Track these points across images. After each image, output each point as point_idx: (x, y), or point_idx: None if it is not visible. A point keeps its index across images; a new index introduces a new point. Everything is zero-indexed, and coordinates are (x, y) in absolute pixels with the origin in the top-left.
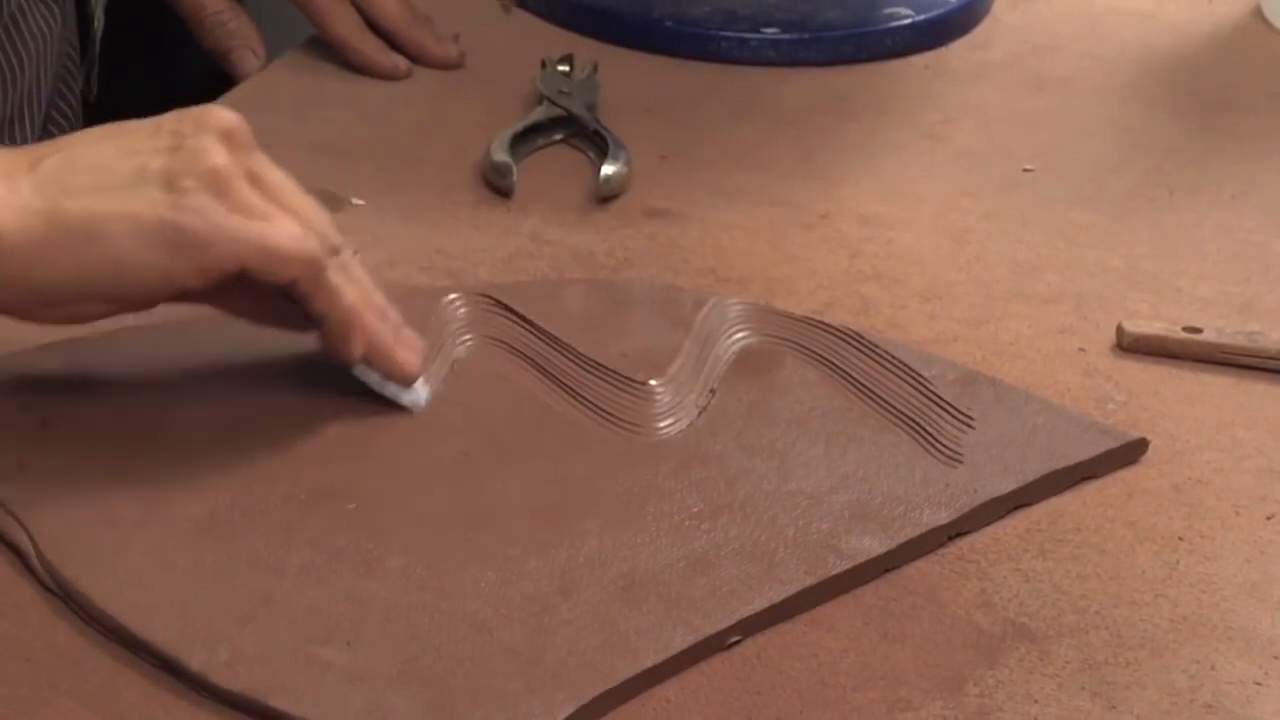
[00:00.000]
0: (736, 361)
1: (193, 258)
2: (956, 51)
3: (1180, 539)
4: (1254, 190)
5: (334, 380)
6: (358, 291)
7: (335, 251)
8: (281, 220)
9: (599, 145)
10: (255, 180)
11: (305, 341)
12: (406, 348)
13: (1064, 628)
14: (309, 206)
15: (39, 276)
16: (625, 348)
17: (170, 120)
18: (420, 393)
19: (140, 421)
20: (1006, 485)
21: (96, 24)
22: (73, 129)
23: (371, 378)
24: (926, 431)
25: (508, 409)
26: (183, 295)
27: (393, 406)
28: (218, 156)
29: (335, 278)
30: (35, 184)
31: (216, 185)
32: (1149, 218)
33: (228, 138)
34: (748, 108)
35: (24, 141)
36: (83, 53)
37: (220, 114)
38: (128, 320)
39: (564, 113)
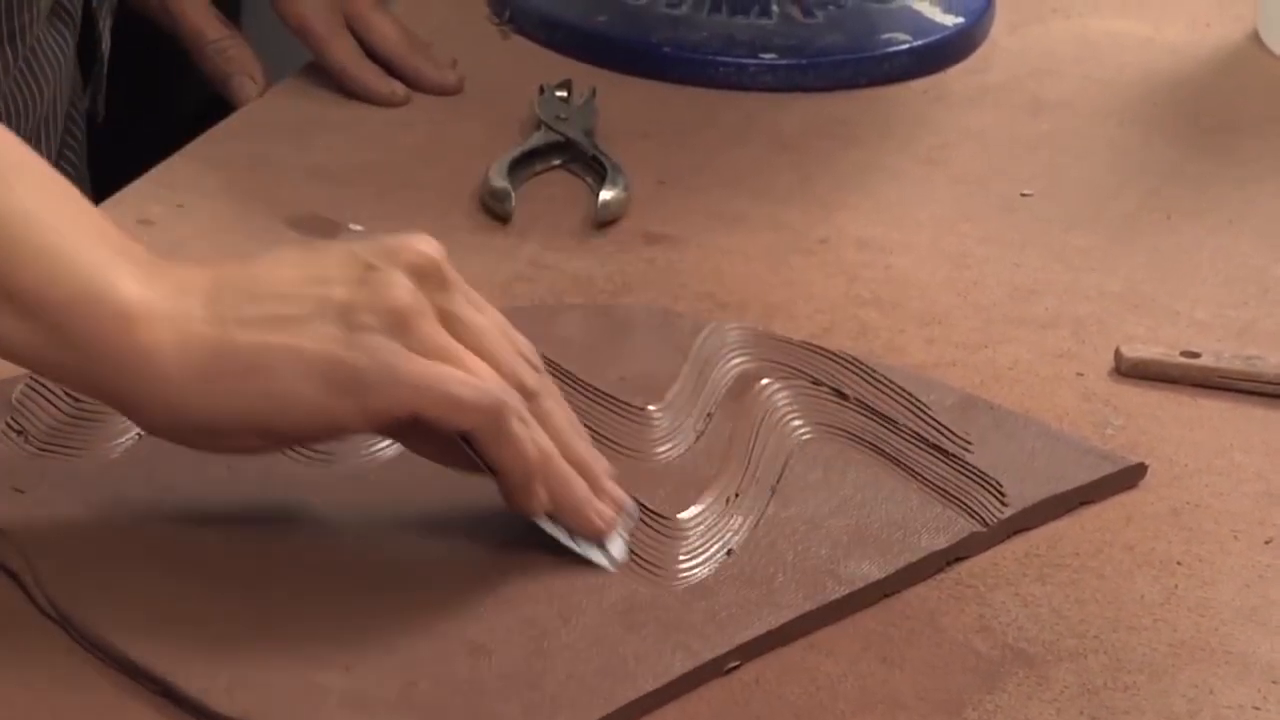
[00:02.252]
0: (734, 386)
1: (358, 400)
2: (955, 76)
3: (1179, 563)
4: (1252, 214)
5: None
6: (548, 442)
7: (531, 396)
8: (466, 365)
9: (597, 170)
10: (448, 319)
11: None
12: (601, 504)
13: (1062, 652)
14: (505, 349)
15: (198, 405)
16: (623, 373)
17: (365, 249)
18: (614, 550)
19: (139, 447)
20: (1004, 510)
21: (103, 46)
22: (81, 155)
23: (558, 531)
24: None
25: None
26: (351, 433)
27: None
28: (404, 293)
29: (518, 428)
30: (209, 307)
31: (399, 324)
32: (1147, 241)
33: (420, 273)
34: (746, 133)
35: None
36: (87, 75)
37: (417, 246)
38: None
39: (562, 138)
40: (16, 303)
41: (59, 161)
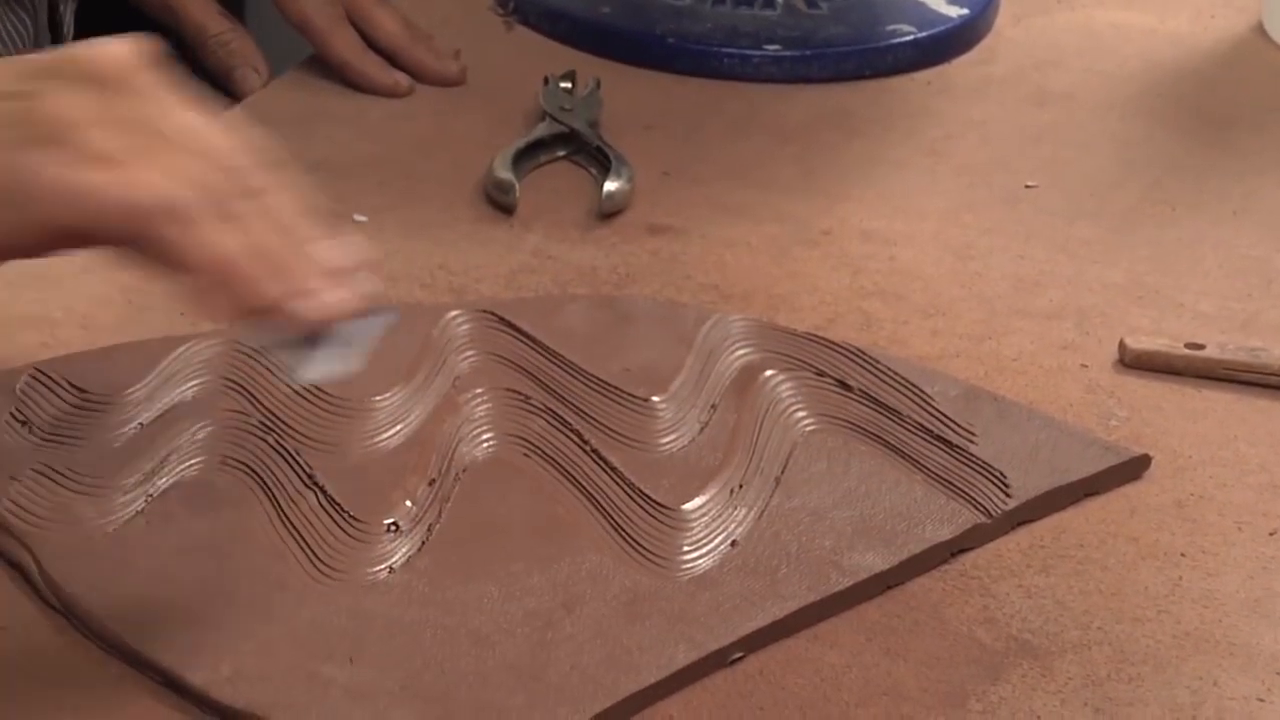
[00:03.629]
0: (738, 378)
1: (7, 213)
2: (959, 68)
3: (1183, 555)
4: (1256, 205)
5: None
6: (259, 232)
7: (250, 194)
8: (144, 165)
9: (601, 162)
10: (133, 125)
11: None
12: (326, 293)
13: (1066, 644)
14: (214, 144)
15: None
16: (627, 364)
17: (49, 56)
18: (323, 362)
19: (139, 437)
20: (1009, 501)
21: (66, 30)
22: None
23: (268, 342)
24: (929, 448)
25: (509, 424)
26: (23, 253)
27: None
28: (61, 104)
29: (212, 229)
30: None
31: (49, 135)
32: (1151, 233)
33: (99, 78)
34: (750, 124)
35: None
36: None
37: (101, 51)
38: (126, 335)
39: (566, 129)
40: None
41: None
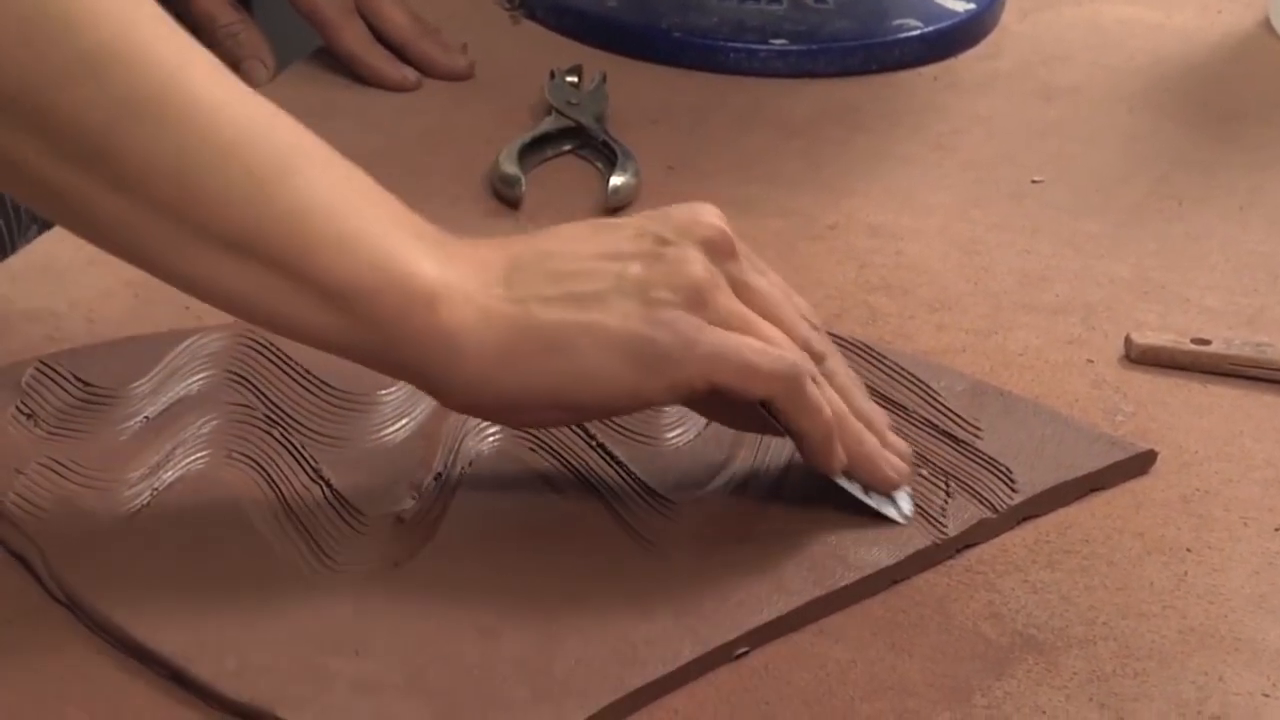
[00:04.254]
0: None
1: (662, 374)
2: (965, 62)
3: (1188, 550)
4: (1262, 201)
5: (336, 379)
6: (839, 401)
7: (821, 359)
8: (762, 333)
9: (607, 156)
10: (739, 288)
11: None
12: (891, 456)
13: (1072, 639)
14: (792, 313)
15: (500, 382)
16: None
17: (654, 222)
18: (903, 503)
19: (145, 430)
20: (1014, 496)
21: None
22: None
23: (854, 488)
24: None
25: None
26: (654, 406)
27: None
28: (699, 268)
29: (813, 391)
30: (508, 286)
31: (696, 298)
32: (1157, 228)
33: (711, 245)
34: (756, 119)
35: None
36: None
37: (705, 219)
38: (132, 329)
39: (572, 123)
40: (320, 290)
41: None
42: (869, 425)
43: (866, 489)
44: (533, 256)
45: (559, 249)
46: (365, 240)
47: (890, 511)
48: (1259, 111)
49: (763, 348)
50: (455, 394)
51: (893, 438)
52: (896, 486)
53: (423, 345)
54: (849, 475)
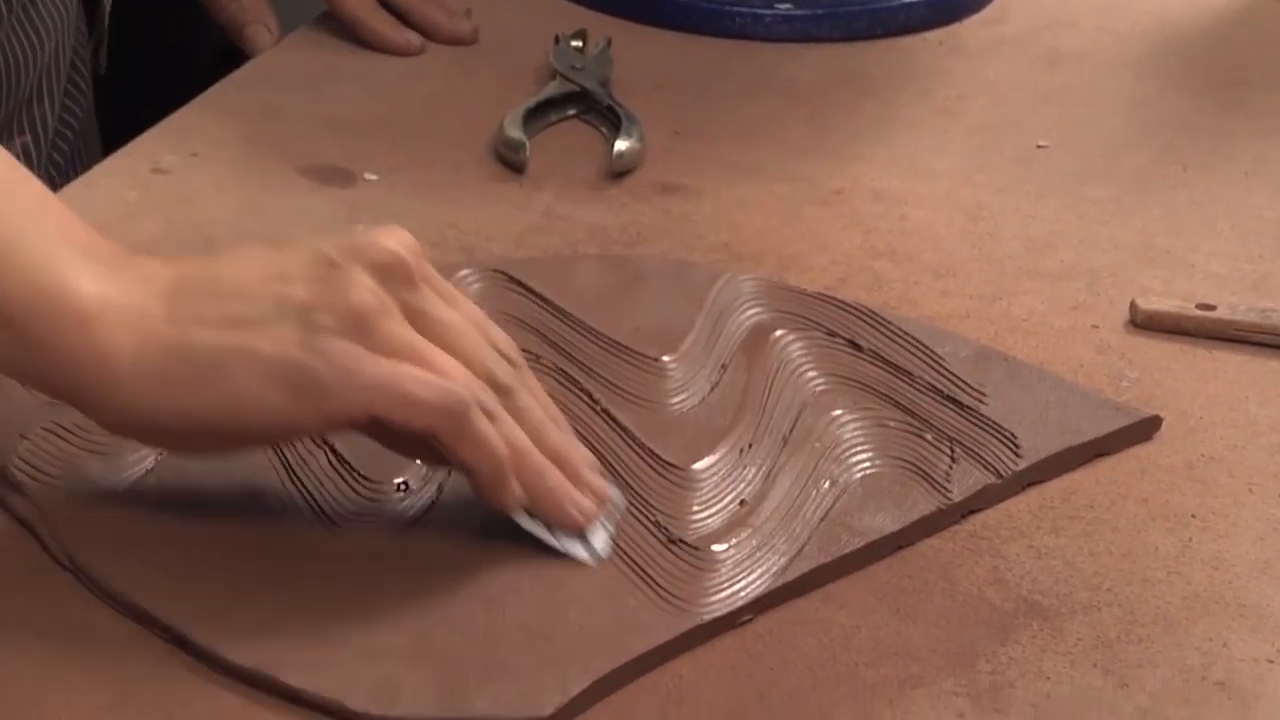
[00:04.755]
0: (749, 337)
1: (317, 403)
2: (970, 27)
3: (1193, 516)
4: (1268, 167)
5: None
6: (521, 437)
7: (505, 391)
8: (431, 363)
9: (612, 121)
10: (415, 316)
11: None
12: (579, 496)
13: (1076, 605)
14: (475, 344)
15: (156, 407)
16: (638, 323)
17: (331, 246)
18: (597, 543)
19: None
20: (1019, 462)
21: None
22: (86, 104)
23: (535, 526)
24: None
25: None
26: (309, 435)
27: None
28: (365, 292)
29: (481, 425)
30: (169, 306)
31: (358, 324)
32: (1163, 194)
33: (385, 270)
34: (761, 84)
35: (44, 119)
36: (90, 27)
37: (383, 243)
38: None
39: (577, 88)
40: None
41: (62, 113)
42: (561, 462)
43: (553, 529)
44: (201, 277)
45: (227, 271)
46: (20, 255)
47: (578, 551)
48: (1265, 78)
49: (425, 378)
50: (110, 416)
51: (591, 476)
52: (580, 527)
53: (76, 367)
54: (532, 515)
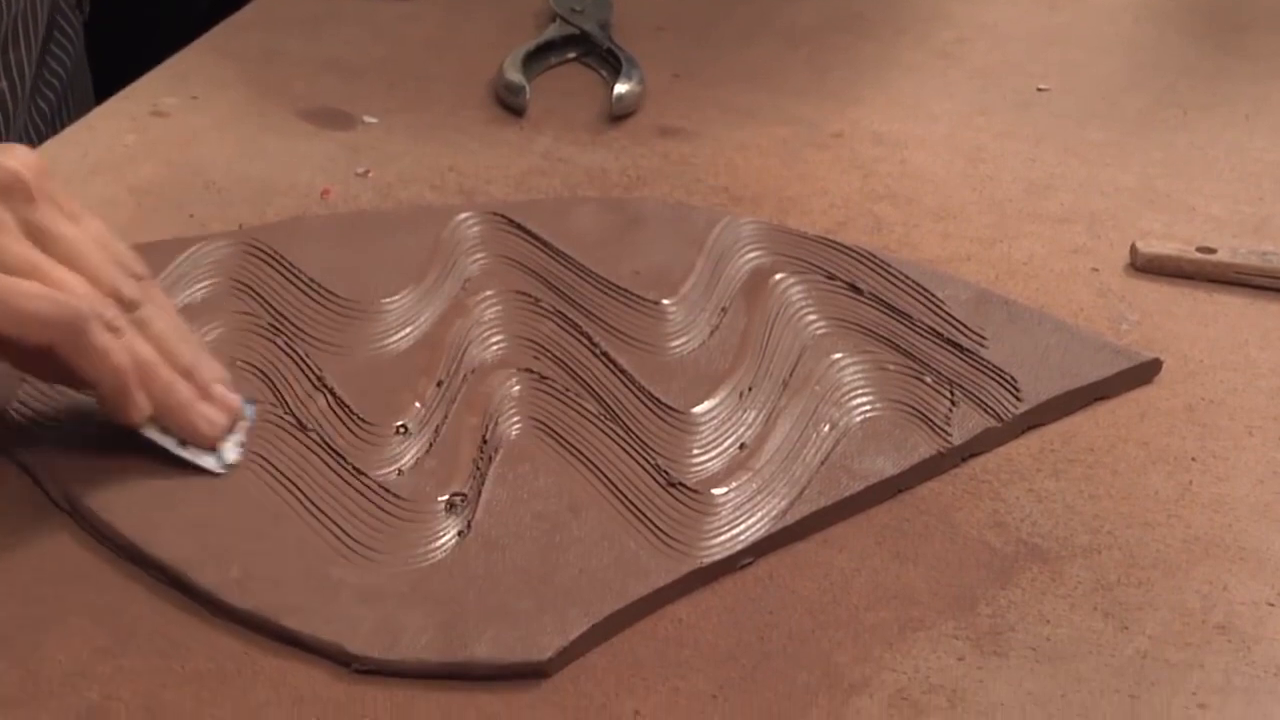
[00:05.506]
0: (749, 281)
1: None
2: None
3: (1193, 459)
4: (1268, 110)
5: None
6: (147, 349)
7: (133, 306)
8: (50, 279)
9: (612, 64)
10: (35, 233)
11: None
12: (208, 408)
13: (1076, 548)
14: (96, 259)
15: None
16: (638, 266)
17: None
18: (227, 454)
19: None
20: (1019, 405)
21: None
22: (74, 51)
23: (165, 439)
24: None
25: (518, 327)
26: None
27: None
28: None
29: (101, 338)
30: None
31: None
32: (1163, 137)
33: (3, 188)
34: (761, 27)
35: (19, 65)
36: None
37: (1, 162)
38: (135, 237)
39: (577, 31)
40: None
41: (47, 59)
42: (190, 376)
43: (183, 443)
44: None
45: None
46: None
47: (206, 462)
48: (1265, 21)
49: (41, 292)
50: None
51: (219, 390)
52: (209, 440)
53: None
54: (163, 429)
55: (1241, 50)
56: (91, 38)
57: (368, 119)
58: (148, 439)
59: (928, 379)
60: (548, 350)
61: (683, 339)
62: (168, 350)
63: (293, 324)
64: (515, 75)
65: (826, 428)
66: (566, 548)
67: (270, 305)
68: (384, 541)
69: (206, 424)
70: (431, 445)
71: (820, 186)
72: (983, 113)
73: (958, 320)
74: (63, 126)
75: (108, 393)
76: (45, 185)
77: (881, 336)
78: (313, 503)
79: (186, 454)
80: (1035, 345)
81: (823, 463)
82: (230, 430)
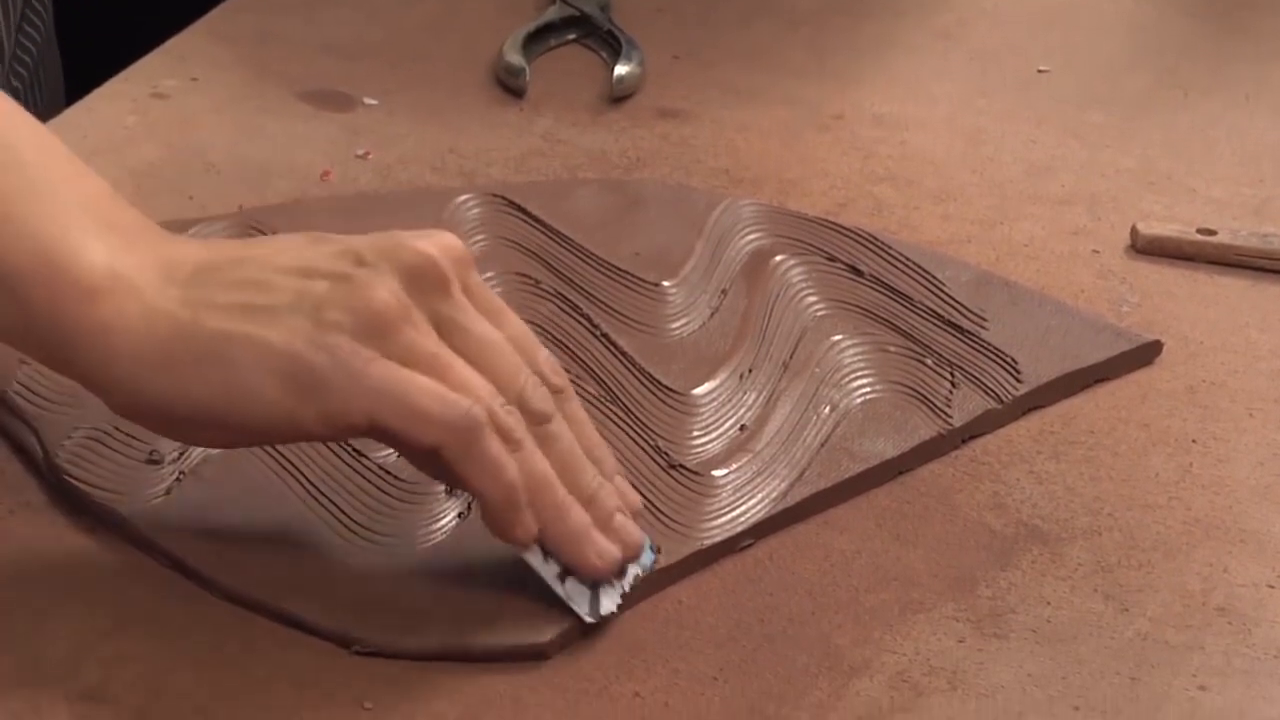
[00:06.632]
0: (749, 262)
1: (314, 401)
2: None
3: (1194, 441)
4: (1269, 91)
5: None
6: (543, 466)
7: (538, 417)
8: (451, 376)
9: (612, 45)
10: (446, 327)
11: None
12: (603, 541)
13: (1076, 530)
14: (507, 362)
15: (156, 388)
16: (638, 248)
17: (367, 243)
18: (606, 601)
19: None
20: (1020, 387)
21: None
22: (45, 28)
23: (546, 568)
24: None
25: (518, 308)
26: (313, 438)
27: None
28: (385, 294)
29: (492, 448)
30: (187, 287)
31: (372, 326)
32: (1163, 118)
33: (416, 273)
34: (761, 7)
35: None
36: None
37: (417, 246)
38: None
39: (577, 12)
40: None
41: (19, 32)
42: (590, 504)
43: (564, 574)
44: (226, 261)
45: (257, 256)
46: (31, 223)
47: (579, 605)
48: (1267, 1)
49: (434, 390)
50: (114, 395)
51: (622, 523)
52: (600, 576)
53: (75, 339)
54: (548, 554)
55: (1242, 31)
56: (60, 14)
57: (368, 101)
58: (526, 562)
59: (928, 361)
60: (547, 332)
61: (683, 321)
62: (571, 470)
63: None
64: (515, 57)
65: (827, 409)
66: None
67: None
68: (385, 523)
69: (597, 556)
70: None
71: (820, 168)
72: (983, 94)
73: (958, 302)
74: (33, 107)
75: (492, 507)
76: (466, 277)
77: (882, 318)
78: (313, 484)
79: (562, 592)
80: (1036, 327)
81: (823, 445)
82: (621, 572)
